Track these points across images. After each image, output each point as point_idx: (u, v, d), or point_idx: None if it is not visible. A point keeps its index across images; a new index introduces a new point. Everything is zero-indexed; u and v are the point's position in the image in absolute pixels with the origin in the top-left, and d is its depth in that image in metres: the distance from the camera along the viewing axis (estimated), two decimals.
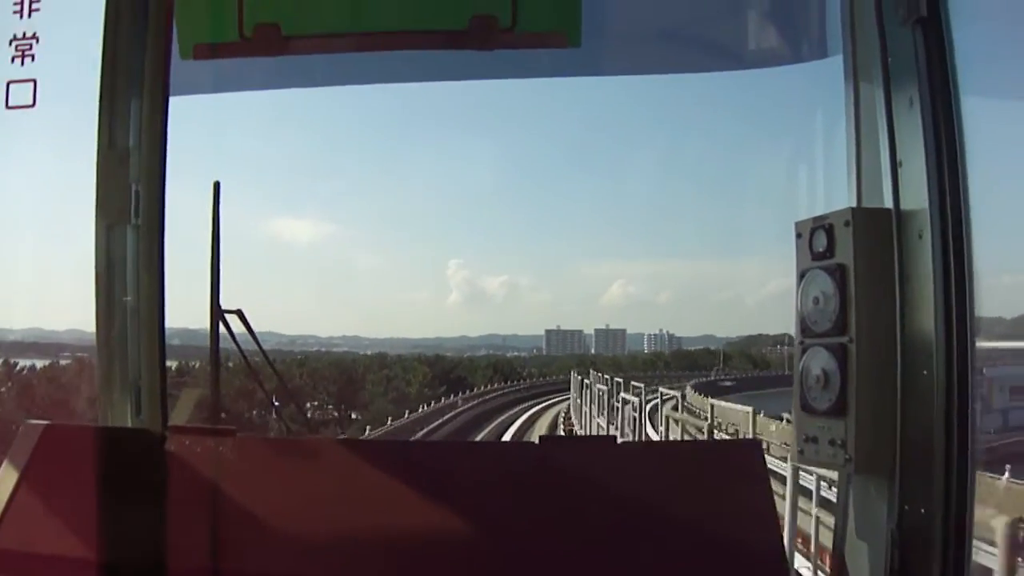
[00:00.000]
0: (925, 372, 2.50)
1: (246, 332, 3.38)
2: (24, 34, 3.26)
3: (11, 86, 3.24)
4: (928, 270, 2.51)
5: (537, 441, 3.19)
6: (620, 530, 2.73)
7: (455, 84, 3.85)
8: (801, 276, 2.85)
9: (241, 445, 3.02)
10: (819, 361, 2.74)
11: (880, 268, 2.63)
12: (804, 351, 2.82)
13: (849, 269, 2.67)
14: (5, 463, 2.95)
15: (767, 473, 2.91)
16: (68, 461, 2.99)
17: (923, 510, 2.49)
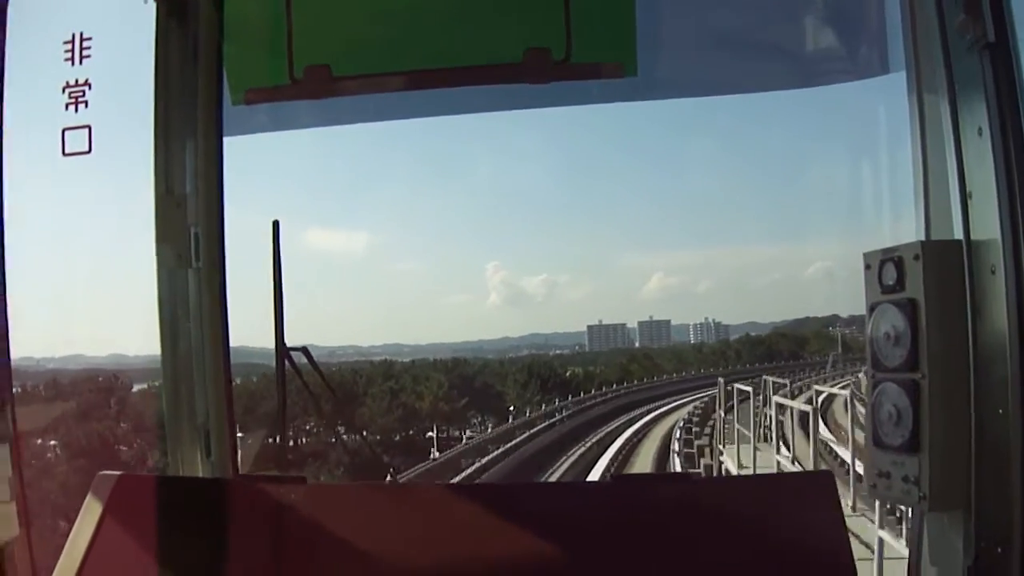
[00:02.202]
0: (1000, 410, 2.45)
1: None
2: (76, 81, 3.27)
3: (66, 133, 3.26)
4: (1001, 305, 2.46)
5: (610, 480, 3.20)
6: (696, 568, 2.73)
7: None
8: (871, 309, 2.80)
9: (311, 492, 3.05)
10: (891, 397, 2.71)
11: (951, 303, 2.58)
12: (876, 386, 2.78)
13: (920, 304, 2.62)
14: (81, 515, 3.00)
15: (840, 504, 2.88)
16: (142, 512, 3.03)
17: (1000, 549, 2.46)
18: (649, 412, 52.32)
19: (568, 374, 76.16)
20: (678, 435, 35.34)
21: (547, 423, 45.89)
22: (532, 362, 77.73)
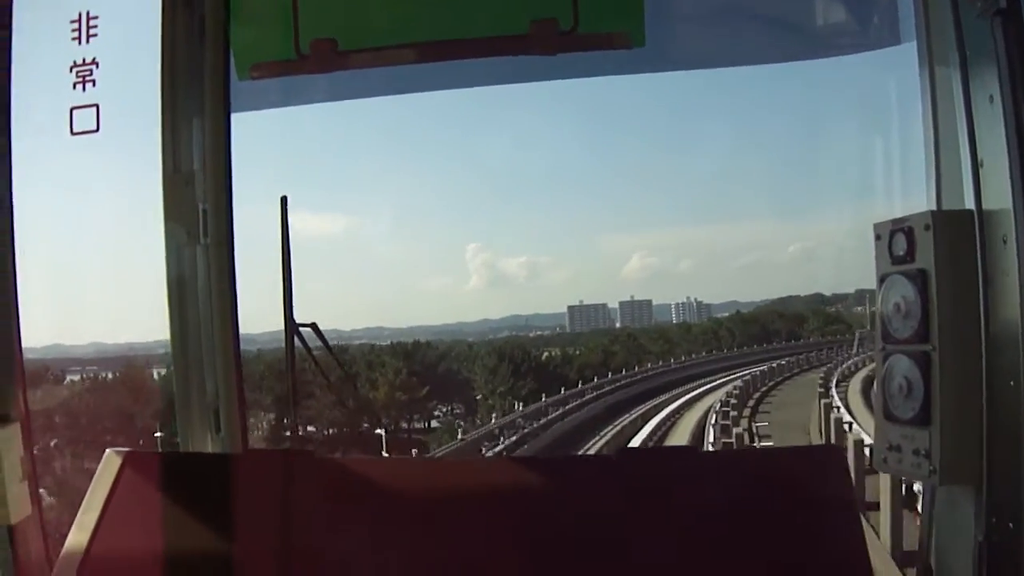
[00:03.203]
0: (1012, 382, 2.42)
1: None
2: (84, 60, 3.27)
3: (74, 112, 3.27)
4: (1013, 275, 2.42)
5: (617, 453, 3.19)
6: (703, 540, 2.72)
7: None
8: (881, 280, 2.77)
9: (318, 466, 3.06)
10: (901, 369, 2.68)
11: (963, 273, 2.54)
12: (886, 358, 2.75)
13: (930, 274, 2.58)
14: (89, 492, 3.02)
15: (850, 478, 2.87)
16: (151, 488, 3.05)
17: (1012, 523, 2.43)
18: (646, 418, 43.16)
19: (544, 358, 69.36)
20: None
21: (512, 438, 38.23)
22: (502, 346, 70.11)
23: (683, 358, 70.67)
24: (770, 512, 2.75)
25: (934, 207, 2.77)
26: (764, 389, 46.66)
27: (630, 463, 3.10)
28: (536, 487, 2.93)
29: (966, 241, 2.54)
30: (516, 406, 48.90)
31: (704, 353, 72.54)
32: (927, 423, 2.60)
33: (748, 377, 49.42)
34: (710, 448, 28.31)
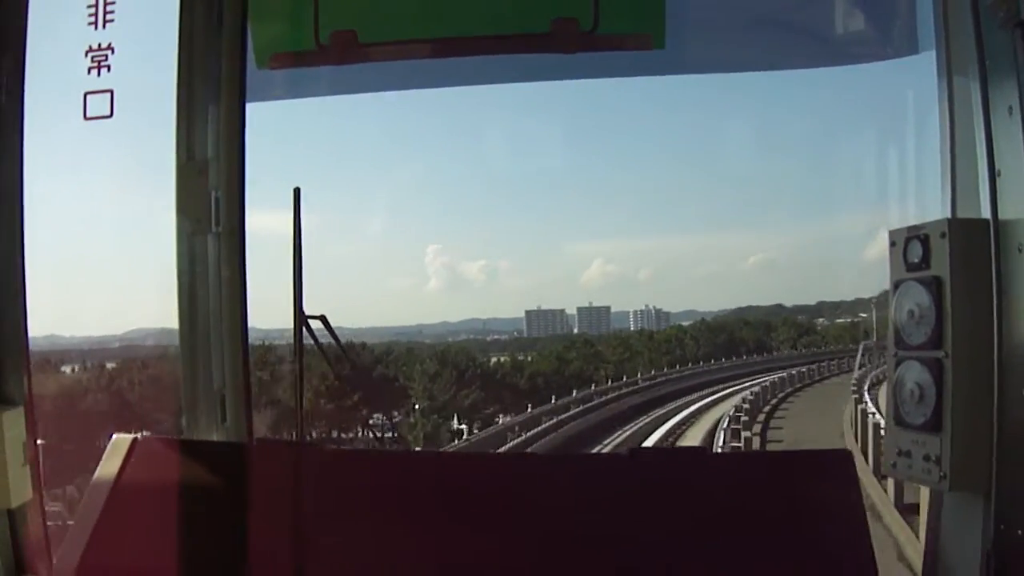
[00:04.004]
0: None
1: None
2: (99, 45, 3.26)
3: (88, 97, 3.25)
4: None
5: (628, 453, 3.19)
6: (711, 539, 2.73)
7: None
8: (895, 287, 2.78)
9: (327, 457, 3.06)
10: (913, 375, 2.69)
11: (977, 281, 2.56)
12: (898, 363, 2.76)
13: (945, 282, 2.60)
14: (95, 476, 3.01)
15: (858, 483, 2.87)
16: (157, 474, 3.04)
17: (1020, 531, 2.44)
18: None
19: (492, 364, 63.29)
20: None
21: None
22: (444, 351, 64.35)
23: (652, 372, 62.92)
24: (778, 514, 2.76)
25: (949, 215, 2.78)
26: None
27: (642, 462, 3.11)
28: (548, 483, 2.93)
29: (981, 250, 2.56)
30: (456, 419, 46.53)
31: (677, 367, 65.73)
32: (938, 429, 2.61)
33: (744, 404, 36.56)
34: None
